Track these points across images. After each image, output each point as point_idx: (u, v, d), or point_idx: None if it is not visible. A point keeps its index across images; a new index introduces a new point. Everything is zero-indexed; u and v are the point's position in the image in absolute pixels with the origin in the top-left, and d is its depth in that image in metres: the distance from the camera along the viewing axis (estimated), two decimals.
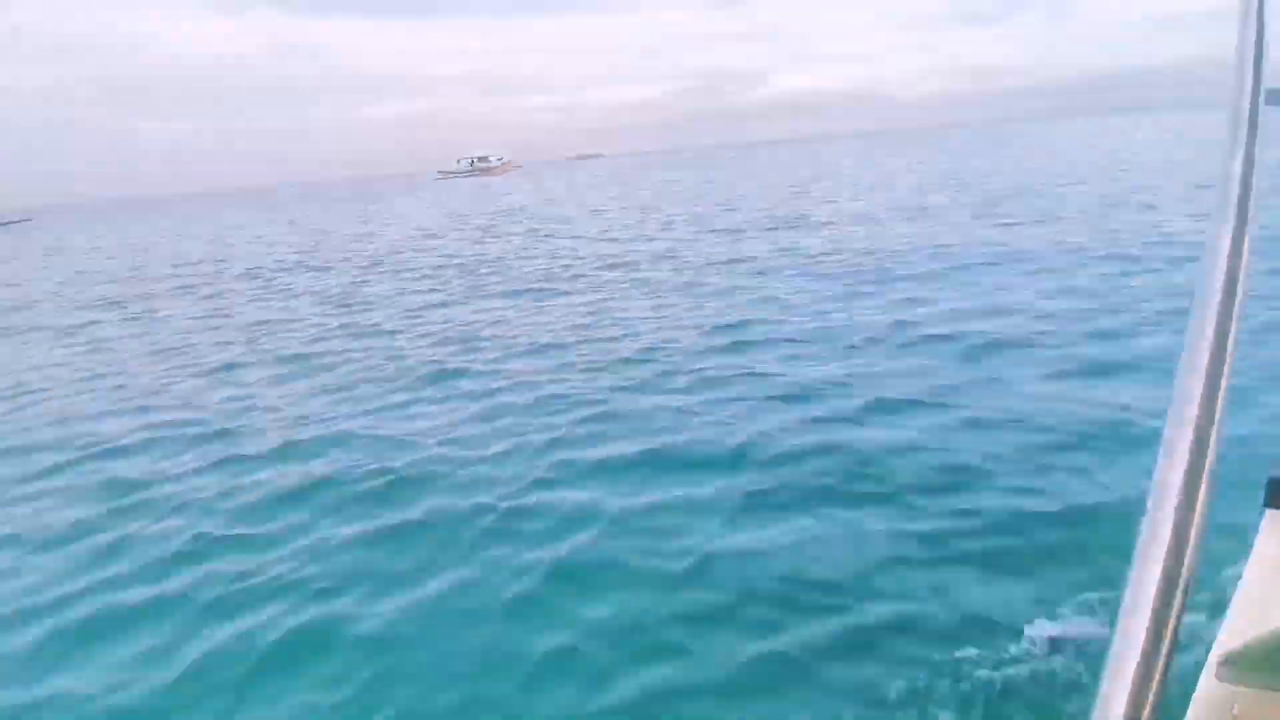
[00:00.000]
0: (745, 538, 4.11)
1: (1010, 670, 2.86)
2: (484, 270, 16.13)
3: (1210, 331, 0.46)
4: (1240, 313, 0.49)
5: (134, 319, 13.87)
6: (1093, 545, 3.70)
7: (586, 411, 6.25)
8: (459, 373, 7.95)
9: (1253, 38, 0.64)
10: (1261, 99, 0.60)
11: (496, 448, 5.67)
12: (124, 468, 6.16)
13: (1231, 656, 1.03)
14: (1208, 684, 1.06)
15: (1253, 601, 1.25)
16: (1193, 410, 0.43)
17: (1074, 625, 3.03)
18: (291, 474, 5.58)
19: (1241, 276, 0.50)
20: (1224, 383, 0.44)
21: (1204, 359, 0.45)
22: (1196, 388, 0.43)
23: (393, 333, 10.57)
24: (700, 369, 7.14)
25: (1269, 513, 1.52)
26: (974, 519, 4.11)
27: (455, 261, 18.05)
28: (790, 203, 25.41)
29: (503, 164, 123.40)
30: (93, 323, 13.81)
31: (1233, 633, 1.15)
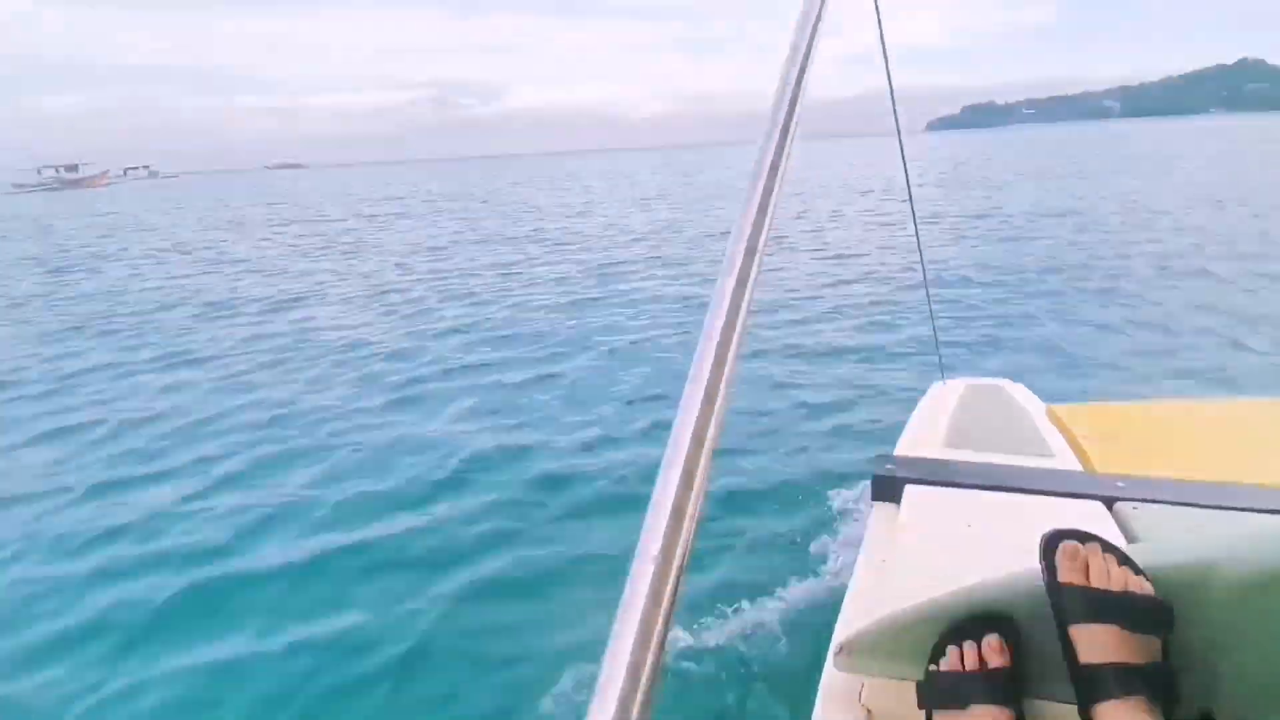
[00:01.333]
0: None
1: None
2: None
3: (716, 337, 0.47)
4: (748, 310, 0.51)
5: None
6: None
7: None
8: None
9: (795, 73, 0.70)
10: (793, 124, 0.66)
11: None
12: None
13: (848, 645, 1.04)
14: (830, 674, 1.09)
15: (864, 592, 1.29)
16: (694, 411, 0.43)
17: None
18: None
19: (750, 286, 0.52)
20: (720, 402, 0.45)
21: (708, 364, 0.46)
22: (695, 403, 0.43)
23: None
24: None
25: (876, 505, 1.59)
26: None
27: None
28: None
29: (100, 175, 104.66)
30: None
31: (847, 623, 1.19)
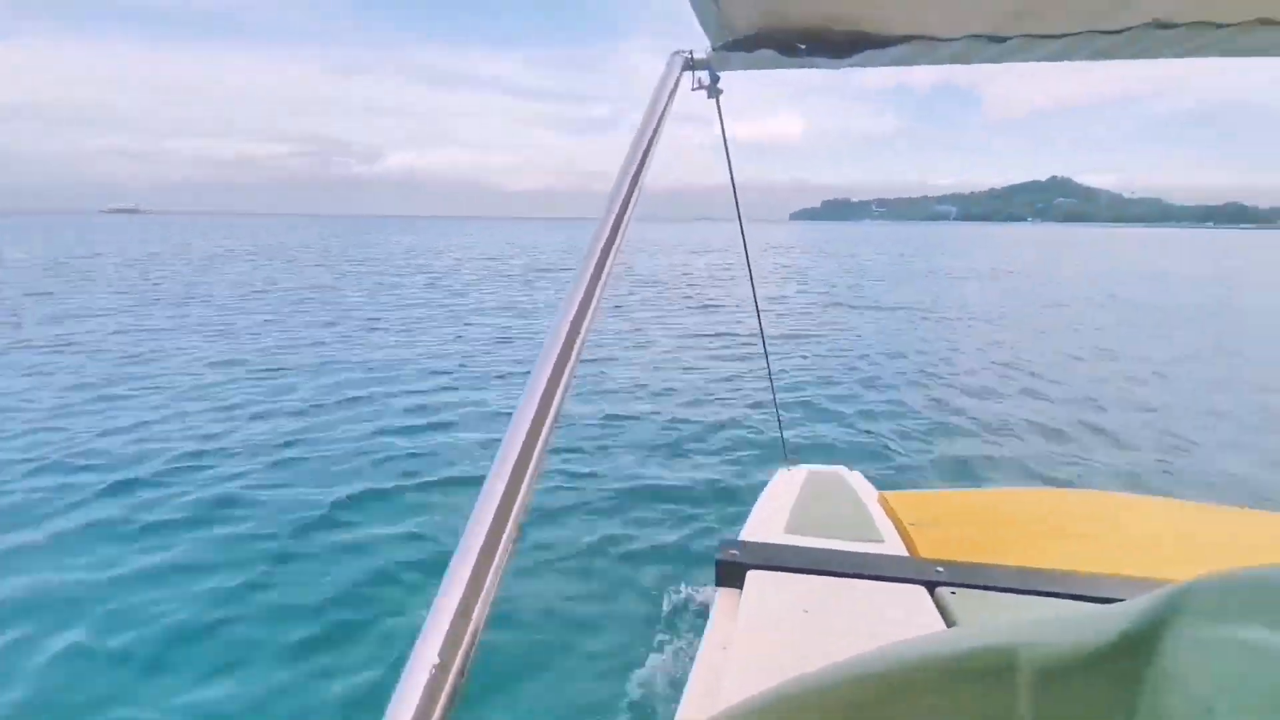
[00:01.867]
0: None
1: None
2: None
3: (543, 382, 0.53)
4: (577, 356, 0.59)
5: None
6: None
7: None
8: None
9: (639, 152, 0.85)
10: (632, 202, 0.82)
11: None
12: None
13: None
14: None
15: (705, 678, 1.32)
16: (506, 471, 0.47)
17: None
18: None
19: (583, 332, 0.60)
20: (526, 485, 0.48)
21: (529, 416, 0.51)
22: (498, 488, 0.46)
23: None
24: None
25: (721, 591, 1.64)
26: None
27: None
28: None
29: None
30: None
31: (688, 709, 1.23)
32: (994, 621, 0.86)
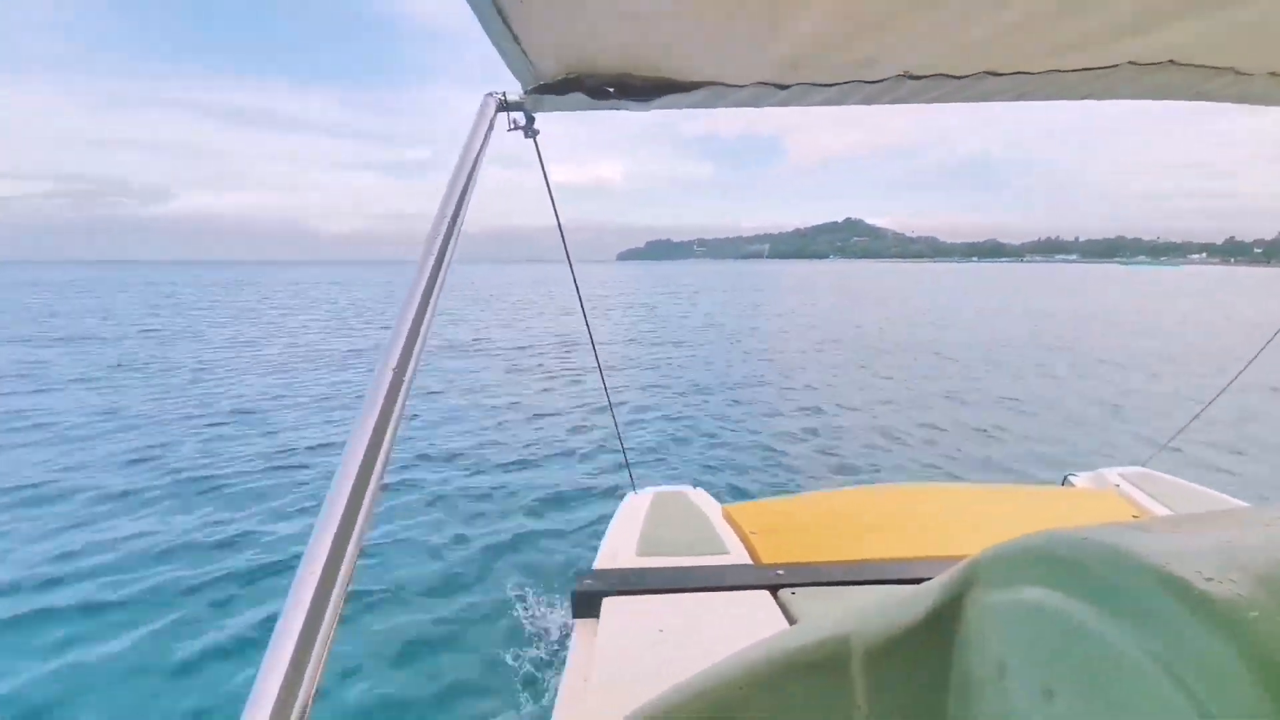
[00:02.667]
0: None
1: None
2: None
3: (380, 401, 0.57)
4: (404, 399, 0.63)
5: None
6: None
7: None
8: None
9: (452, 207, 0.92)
10: (451, 248, 0.87)
11: None
12: None
13: None
14: None
15: (570, 710, 1.34)
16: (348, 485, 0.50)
17: None
18: None
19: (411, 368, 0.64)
20: (359, 524, 0.51)
21: (349, 481, 0.52)
22: (330, 529, 0.48)
23: None
24: None
25: (578, 622, 1.67)
26: None
27: None
28: None
29: None
30: None
31: None
32: (826, 615, 0.90)
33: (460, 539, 5.30)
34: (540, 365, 14.09)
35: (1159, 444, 3.21)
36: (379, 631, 3.95)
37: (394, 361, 0.65)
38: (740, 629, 1.34)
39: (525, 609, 4.13)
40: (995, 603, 0.71)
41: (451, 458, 7.49)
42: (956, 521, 2.15)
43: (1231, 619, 0.49)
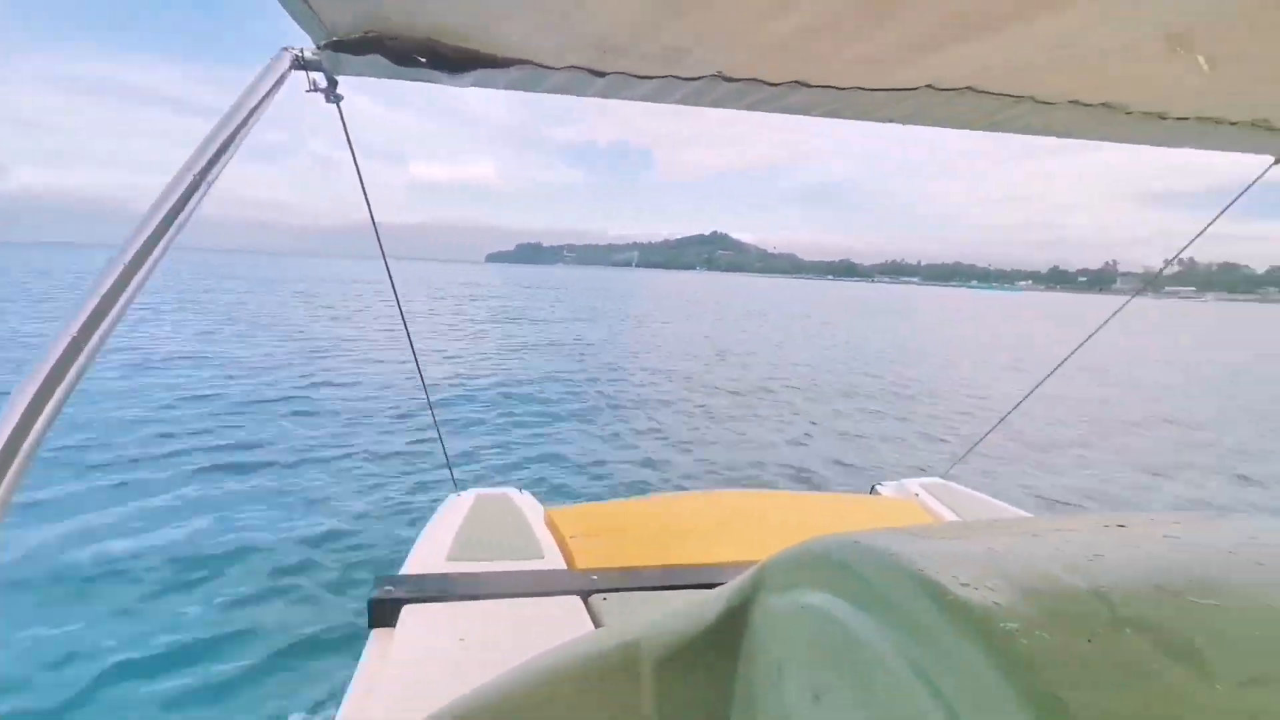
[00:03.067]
0: None
1: None
2: None
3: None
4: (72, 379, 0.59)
5: None
6: None
7: None
8: None
9: None
10: None
11: None
12: None
13: None
14: None
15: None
16: None
17: None
18: None
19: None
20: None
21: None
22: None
23: None
24: None
25: (374, 632, 1.59)
26: None
27: None
28: None
29: None
30: None
31: None
32: (625, 620, 0.91)
33: (247, 550, 4.98)
34: (363, 363, 13.66)
35: (957, 456, 3.43)
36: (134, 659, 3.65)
37: (74, 331, 0.58)
38: (546, 636, 1.26)
39: (321, 629, 3.91)
40: (777, 606, 0.71)
41: (256, 458, 7.05)
42: (765, 527, 2.18)
43: (986, 626, 0.49)
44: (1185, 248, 2.22)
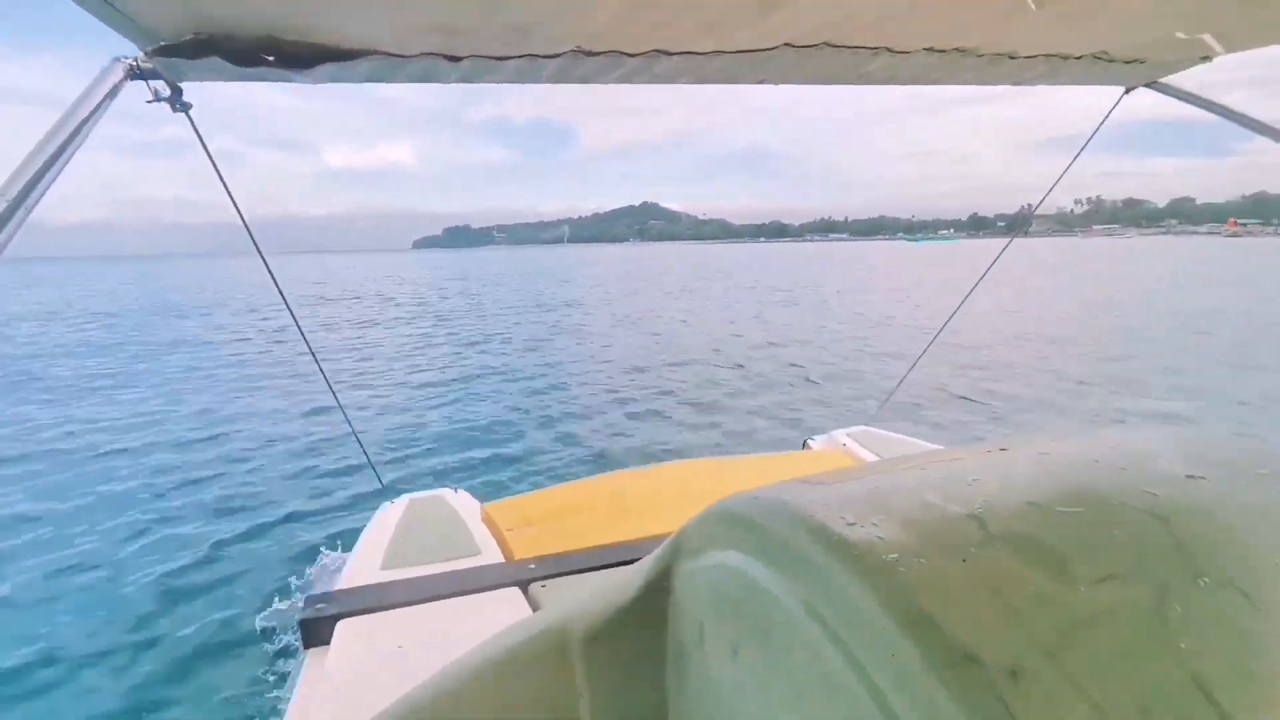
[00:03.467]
0: None
1: None
2: None
3: None
4: None
5: None
6: None
7: None
8: None
9: None
10: None
11: None
12: None
13: None
14: None
15: None
16: None
17: None
18: None
19: None
20: None
21: None
22: None
23: None
24: None
25: (309, 652, 1.57)
26: None
27: None
28: None
29: None
30: None
31: None
32: (554, 605, 0.93)
33: (147, 574, 4.72)
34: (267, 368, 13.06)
35: (880, 401, 3.57)
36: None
37: None
38: (487, 632, 1.27)
39: (255, 648, 3.77)
40: (693, 570, 0.74)
41: (160, 485, 6.63)
42: (696, 496, 2.18)
43: (868, 560, 0.51)
44: (1054, 186, 2.29)
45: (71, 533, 5.38)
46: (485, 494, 2.46)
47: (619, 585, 0.85)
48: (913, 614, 0.47)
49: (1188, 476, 0.61)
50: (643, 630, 0.81)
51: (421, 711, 0.87)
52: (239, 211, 1.63)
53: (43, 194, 0.79)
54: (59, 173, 0.82)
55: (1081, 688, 0.43)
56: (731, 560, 0.65)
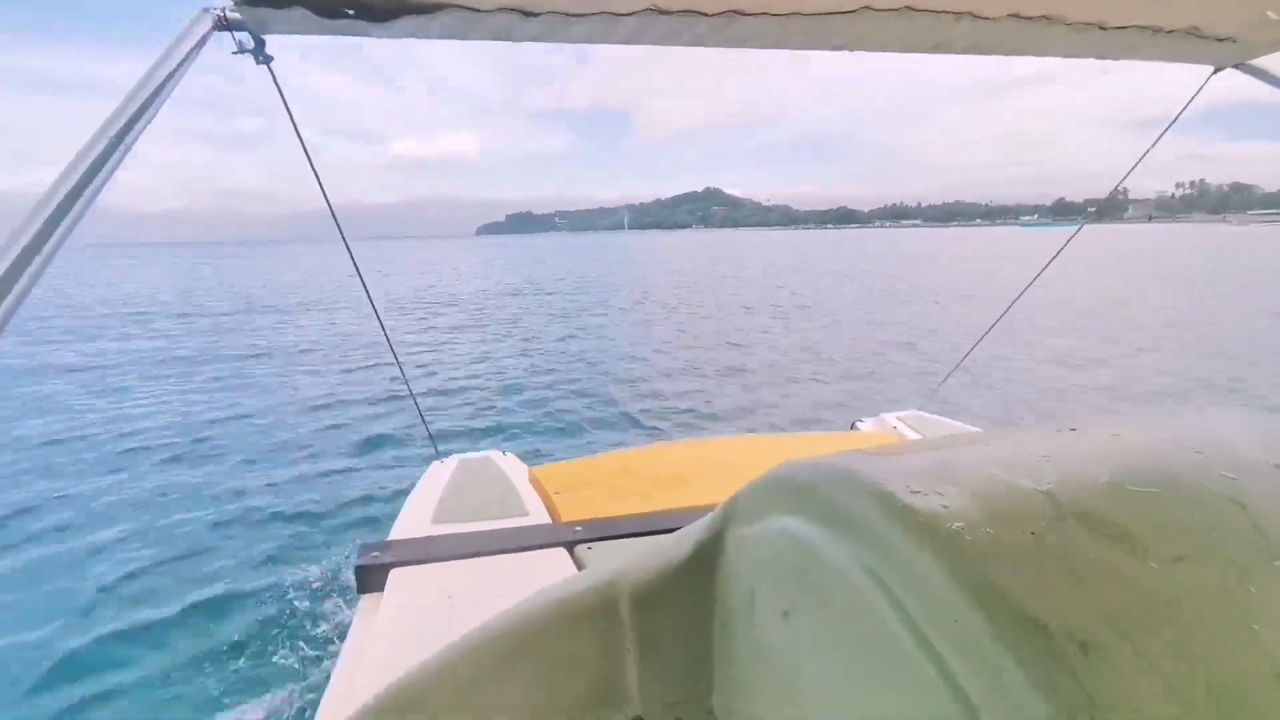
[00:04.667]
0: None
1: None
2: None
3: None
4: None
5: None
6: None
7: None
8: None
9: None
10: None
11: None
12: None
13: None
14: None
15: (340, 688, 1.30)
16: None
17: None
18: None
19: None
20: None
21: None
22: None
23: None
24: None
25: (363, 597, 1.62)
26: None
27: None
28: None
29: None
30: None
31: (324, 717, 1.21)
32: (605, 563, 0.95)
33: (245, 520, 5.27)
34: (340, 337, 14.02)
35: (933, 387, 3.53)
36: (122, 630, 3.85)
37: None
38: (532, 588, 1.32)
39: (309, 594, 4.10)
40: (747, 535, 0.75)
41: (238, 438, 7.41)
42: (743, 470, 2.07)
43: (934, 530, 0.52)
44: (1134, 167, 2.25)
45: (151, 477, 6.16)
46: (530, 460, 2.57)
47: (670, 548, 0.86)
48: (980, 582, 0.47)
49: (1270, 463, 0.60)
50: (692, 593, 0.83)
51: (472, 656, 0.90)
52: (318, 180, 1.74)
53: (133, 143, 0.79)
54: (149, 122, 0.83)
55: (1154, 664, 0.43)
56: (789, 525, 0.66)
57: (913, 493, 0.56)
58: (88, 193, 0.68)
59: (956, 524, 0.52)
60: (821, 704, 0.62)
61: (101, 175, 0.69)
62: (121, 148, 0.72)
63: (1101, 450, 0.64)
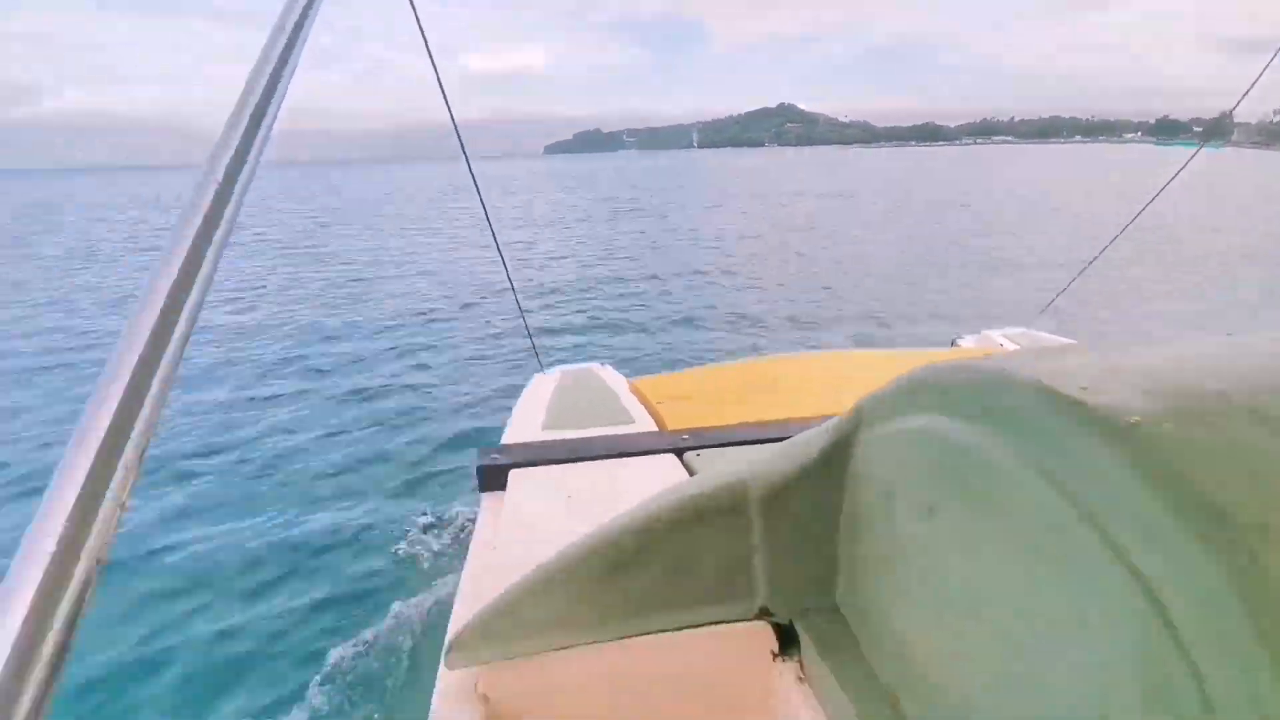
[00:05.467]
0: None
1: None
2: None
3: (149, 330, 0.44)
4: (190, 316, 0.48)
5: None
6: None
7: None
8: None
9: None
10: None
11: None
12: None
13: (458, 642, 1.05)
14: (444, 675, 1.08)
15: (474, 582, 1.32)
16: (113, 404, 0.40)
17: None
18: None
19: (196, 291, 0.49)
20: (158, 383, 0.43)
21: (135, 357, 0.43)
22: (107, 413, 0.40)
23: None
24: None
25: (485, 496, 1.68)
26: None
27: None
28: None
29: None
30: None
31: (459, 619, 1.18)
32: (727, 467, 0.97)
33: (359, 427, 5.75)
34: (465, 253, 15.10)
35: (1041, 305, 3.49)
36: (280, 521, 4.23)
37: (176, 269, 0.49)
38: (648, 490, 1.26)
39: (430, 497, 4.38)
40: (881, 435, 0.76)
41: (356, 350, 8.06)
42: (849, 383, 2.23)
43: (1109, 422, 0.52)
44: (1250, 89, 2.21)
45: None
46: (628, 371, 2.65)
47: (794, 451, 0.90)
48: (1159, 471, 0.48)
49: None
50: (820, 492, 0.86)
51: (600, 551, 0.94)
52: (447, 103, 1.69)
53: (285, 92, 0.73)
54: (296, 63, 0.77)
55: None
56: (934, 425, 0.67)
57: (1081, 389, 0.56)
58: (271, 110, 0.66)
59: (1132, 418, 0.52)
60: (970, 597, 0.63)
61: (277, 94, 0.69)
62: (280, 98, 0.69)
63: (1265, 356, 0.64)
